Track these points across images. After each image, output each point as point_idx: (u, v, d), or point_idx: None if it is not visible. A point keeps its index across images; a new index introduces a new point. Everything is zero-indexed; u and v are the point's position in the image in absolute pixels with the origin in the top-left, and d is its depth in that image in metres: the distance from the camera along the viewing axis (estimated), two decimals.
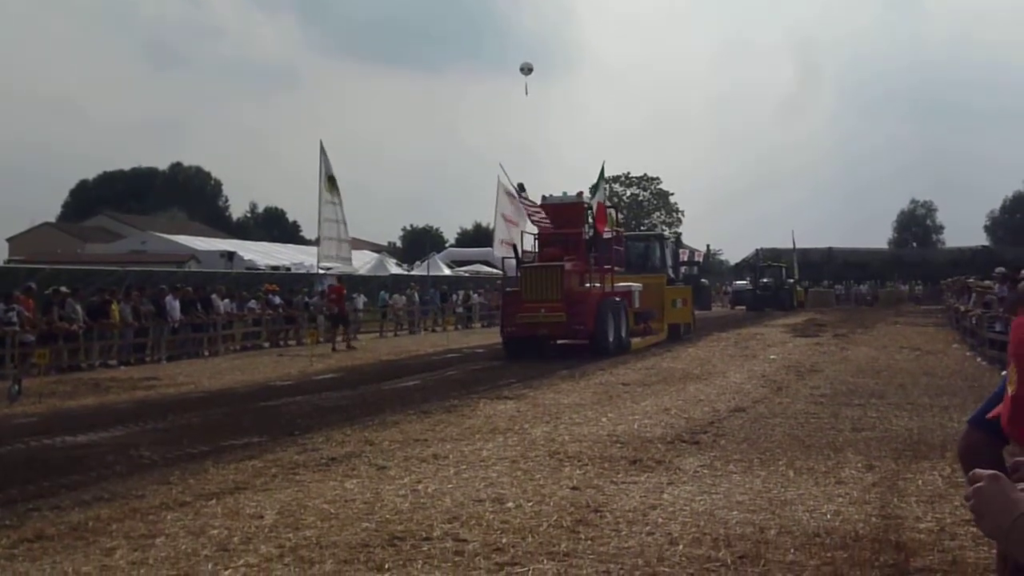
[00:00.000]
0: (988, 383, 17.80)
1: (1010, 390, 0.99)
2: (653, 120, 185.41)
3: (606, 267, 29.60)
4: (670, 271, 37.28)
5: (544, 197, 30.21)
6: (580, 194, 30.15)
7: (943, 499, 8.78)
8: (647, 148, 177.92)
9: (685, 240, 73.08)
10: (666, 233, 41.10)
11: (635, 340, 30.21)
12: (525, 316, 27.03)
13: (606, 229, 30.60)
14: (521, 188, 31.13)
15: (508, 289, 30.43)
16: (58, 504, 9.19)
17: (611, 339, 27.79)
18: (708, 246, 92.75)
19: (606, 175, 36.21)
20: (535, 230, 30.09)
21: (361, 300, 41.01)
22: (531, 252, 29.87)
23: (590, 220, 29.86)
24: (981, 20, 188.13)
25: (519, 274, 28.70)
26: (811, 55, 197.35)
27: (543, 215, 29.02)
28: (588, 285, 28.56)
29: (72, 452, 12.52)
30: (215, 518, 8.39)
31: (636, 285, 32.14)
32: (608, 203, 34.39)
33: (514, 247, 30.65)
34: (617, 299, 29.28)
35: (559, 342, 28.39)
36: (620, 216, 33.62)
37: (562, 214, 29.33)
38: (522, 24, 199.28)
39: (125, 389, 20.14)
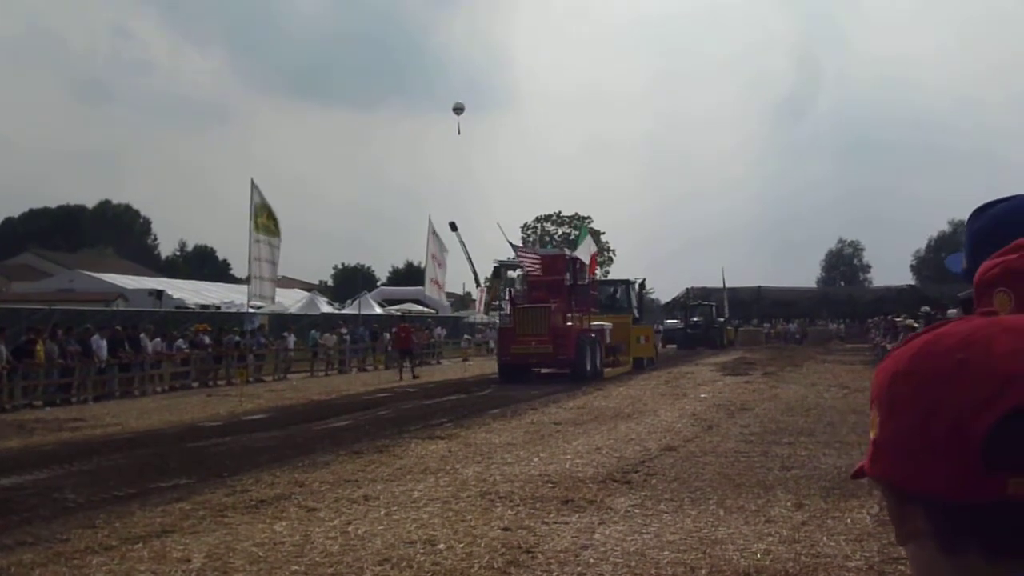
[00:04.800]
0: None
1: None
2: (584, 158, 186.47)
3: (583, 308, 35.14)
4: (635, 312, 43.04)
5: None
6: (563, 250, 37.76)
7: (872, 537, 8.86)
8: (578, 187, 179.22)
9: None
10: (631, 279, 44.85)
11: (606, 370, 35.14)
12: (518, 347, 32.62)
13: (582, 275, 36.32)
14: (454, 226, 32.97)
15: (503, 326, 35.72)
16: None
17: (588, 368, 32.73)
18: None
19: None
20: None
21: (291, 339, 40.75)
22: (521, 295, 35.42)
23: (570, 269, 35.21)
24: (909, 63, 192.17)
25: (512, 313, 34.13)
26: (742, 93, 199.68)
27: (535, 264, 34.70)
28: (569, 323, 33.49)
29: None
30: (141, 562, 8.27)
31: (607, 324, 37.23)
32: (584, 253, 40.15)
33: (509, 291, 36.31)
34: (592, 335, 34.50)
35: (544, 371, 33.28)
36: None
37: (548, 263, 35.18)
38: (455, 63, 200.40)
39: (50, 430, 19.77)
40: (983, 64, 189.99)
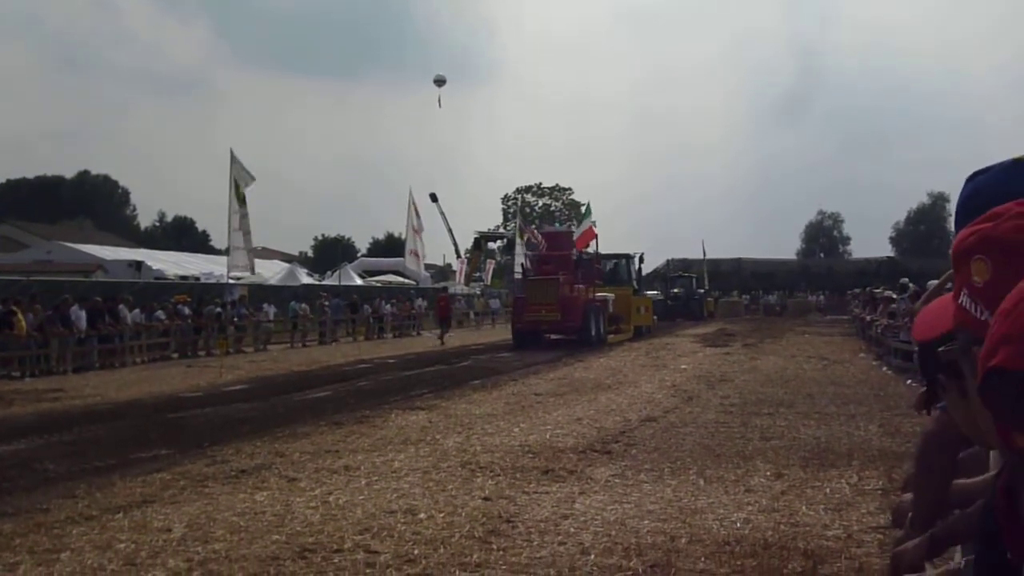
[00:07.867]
0: (893, 391, 18.22)
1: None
2: (568, 130, 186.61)
3: (589, 280, 38.36)
4: (635, 284, 46.16)
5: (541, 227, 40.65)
6: (569, 227, 41.25)
7: (850, 506, 8.93)
8: (560, 158, 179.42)
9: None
10: (632, 253, 46.33)
11: (609, 337, 38.06)
12: (530, 315, 35.91)
13: (587, 251, 40.57)
14: (434, 197, 33.62)
15: (517, 296, 38.76)
16: None
17: (593, 334, 36.10)
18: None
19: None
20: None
21: (271, 310, 40.64)
22: (531, 269, 38.17)
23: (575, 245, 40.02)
24: (892, 31, 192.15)
25: (524, 284, 37.48)
26: (722, 62, 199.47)
27: (542, 240, 39.49)
28: (576, 293, 36.83)
29: None
30: (122, 532, 8.25)
31: (610, 295, 40.43)
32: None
33: (522, 265, 38.53)
34: (597, 304, 37.84)
35: (553, 336, 36.55)
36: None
37: (555, 240, 40.47)
38: (440, 34, 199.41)
39: (29, 401, 19.68)
40: (967, 33, 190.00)
